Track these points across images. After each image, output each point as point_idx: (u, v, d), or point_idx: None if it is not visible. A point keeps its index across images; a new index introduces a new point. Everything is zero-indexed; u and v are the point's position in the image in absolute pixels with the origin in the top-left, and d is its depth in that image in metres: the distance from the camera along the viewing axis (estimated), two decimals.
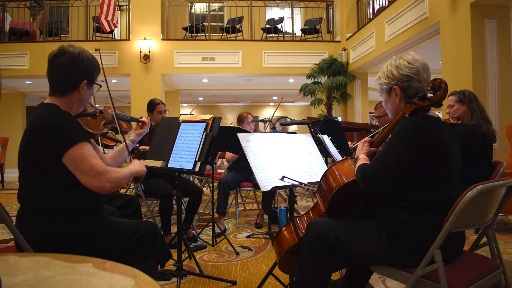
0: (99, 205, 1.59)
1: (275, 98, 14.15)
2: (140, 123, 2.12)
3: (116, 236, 1.56)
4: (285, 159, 2.09)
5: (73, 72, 1.54)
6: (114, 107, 1.93)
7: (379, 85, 1.65)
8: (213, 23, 10.55)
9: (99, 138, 2.41)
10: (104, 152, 1.96)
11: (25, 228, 1.45)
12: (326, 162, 2.46)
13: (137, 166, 1.69)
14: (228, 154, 4.17)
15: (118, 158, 1.91)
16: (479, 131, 2.85)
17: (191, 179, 4.87)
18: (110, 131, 2.12)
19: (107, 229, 1.55)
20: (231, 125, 4.35)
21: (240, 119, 4.28)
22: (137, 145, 3.09)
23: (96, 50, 1.65)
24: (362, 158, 1.61)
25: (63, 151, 1.42)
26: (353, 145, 2.11)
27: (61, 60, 1.53)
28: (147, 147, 3.10)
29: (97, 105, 2.09)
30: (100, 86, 1.71)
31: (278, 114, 14.59)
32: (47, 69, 1.56)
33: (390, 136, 1.57)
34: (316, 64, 8.37)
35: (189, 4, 10.95)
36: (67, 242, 1.46)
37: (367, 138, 1.72)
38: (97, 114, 1.90)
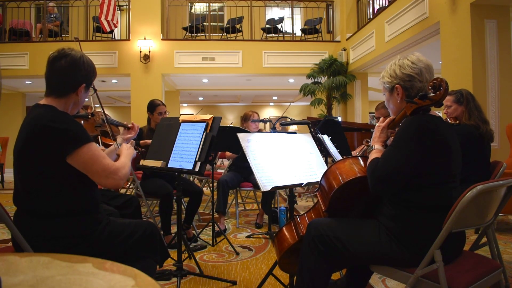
0: (95, 205, 1.59)
1: (275, 98, 14.14)
2: (127, 128, 2.11)
3: (114, 236, 1.56)
4: (285, 159, 2.09)
5: (73, 75, 1.55)
6: (104, 111, 1.98)
7: (382, 83, 1.65)
8: (213, 23, 10.55)
9: (99, 137, 2.44)
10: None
11: (22, 231, 1.44)
12: (326, 162, 2.46)
13: (128, 150, 1.76)
14: (228, 153, 4.20)
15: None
16: (477, 131, 2.83)
17: (191, 179, 4.87)
18: (100, 134, 2.18)
19: (105, 229, 1.56)
20: (231, 125, 4.35)
21: (246, 117, 4.24)
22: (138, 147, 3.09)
23: (75, 38, 1.70)
24: (376, 149, 1.60)
25: (69, 151, 1.43)
26: (358, 153, 2.09)
27: (63, 63, 1.53)
28: (148, 141, 3.10)
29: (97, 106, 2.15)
30: (95, 90, 1.74)
31: (278, 114, 14.64)
32: (46, 71, 1.57)
33: (392, 136, 1.57)
34: (316, 64, 8.37)
35: (189, 4, 10.95)
36: (65, 243, 1.46)
37: (383, 124, 1.66)
38: (89, 116, 1.94)
